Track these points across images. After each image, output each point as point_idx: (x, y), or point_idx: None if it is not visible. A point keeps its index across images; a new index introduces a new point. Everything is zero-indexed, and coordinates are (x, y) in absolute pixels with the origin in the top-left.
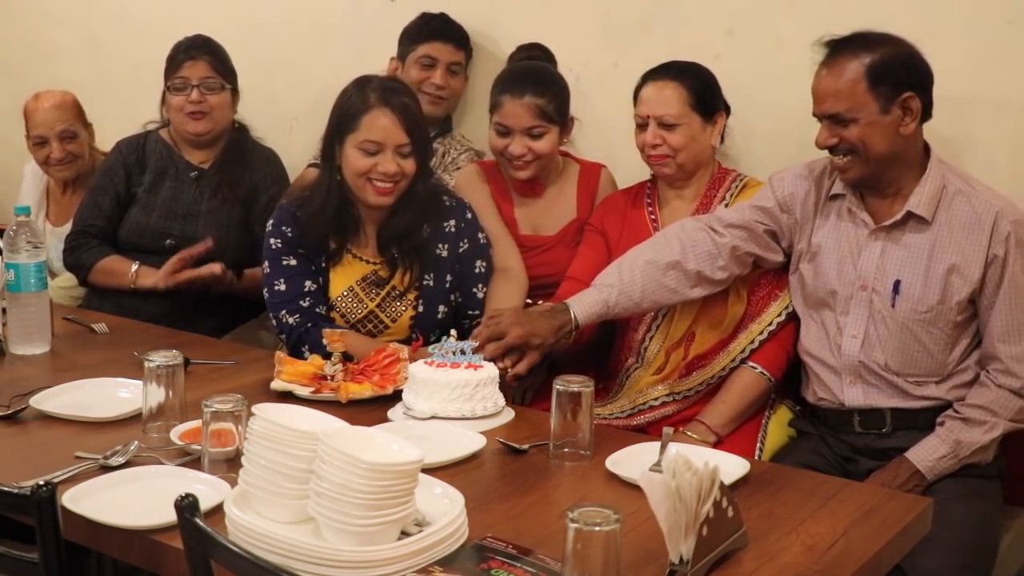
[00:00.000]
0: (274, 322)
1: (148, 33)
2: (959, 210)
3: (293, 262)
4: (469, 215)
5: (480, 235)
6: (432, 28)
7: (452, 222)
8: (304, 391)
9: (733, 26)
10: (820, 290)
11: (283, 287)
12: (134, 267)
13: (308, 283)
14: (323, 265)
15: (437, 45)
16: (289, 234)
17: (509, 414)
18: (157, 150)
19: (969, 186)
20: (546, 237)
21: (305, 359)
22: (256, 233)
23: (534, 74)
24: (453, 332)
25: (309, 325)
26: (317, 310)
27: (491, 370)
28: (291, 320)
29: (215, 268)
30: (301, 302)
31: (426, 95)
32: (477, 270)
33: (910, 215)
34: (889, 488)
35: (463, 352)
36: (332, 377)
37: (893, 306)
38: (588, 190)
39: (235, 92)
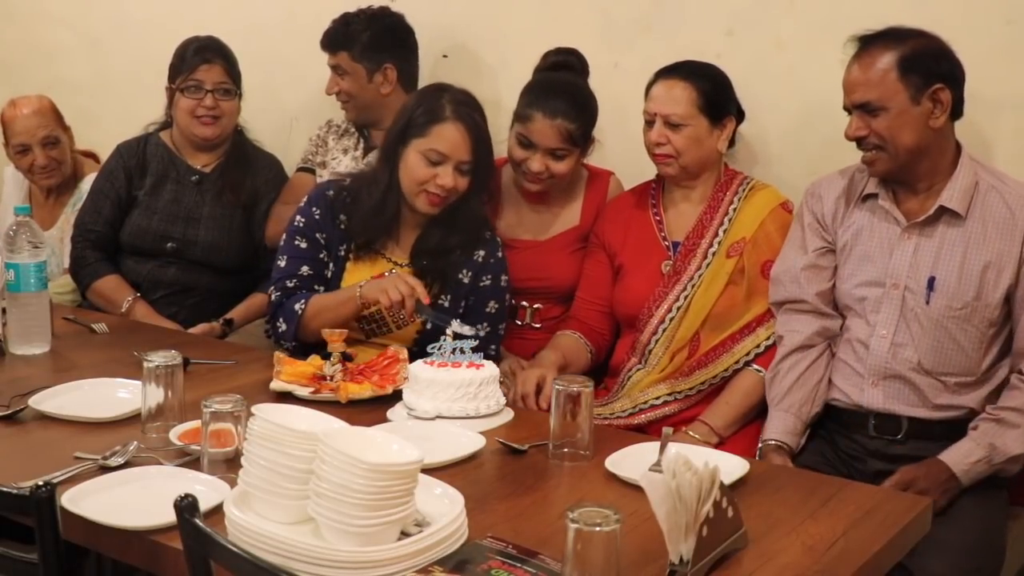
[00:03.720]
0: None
1: (148, 33)
2: (993, 205)
3: (303, 245)
4: (500, 254)
5: (503, 277)
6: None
7: (482, 253)
8: (304, 391)
9: (733, 26)
10: (850, 291)
11: (283, 264)
12: (129, 299)
13: (305, 268)
14: (341, 254)
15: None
16: (316, 216)
17: (509, 413)
18: (158, 153)
19: (1002, 182)
20: (538, 241)
21: (282, 346)
22: (258, 237)
23: (571, 95)
24: (449, 332)
25: (284, 301)
26: (297, 292)
27: (492, 369)
28: (273, 297)
29: (214, 326)
30: (287, 282)
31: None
32: (488, 309)
33: (943, 210)
34: (917, 487)
35: (463, 351)
36: (331, 377)
37: (928, 303)
38: (595, 198)
39: (241, 96)
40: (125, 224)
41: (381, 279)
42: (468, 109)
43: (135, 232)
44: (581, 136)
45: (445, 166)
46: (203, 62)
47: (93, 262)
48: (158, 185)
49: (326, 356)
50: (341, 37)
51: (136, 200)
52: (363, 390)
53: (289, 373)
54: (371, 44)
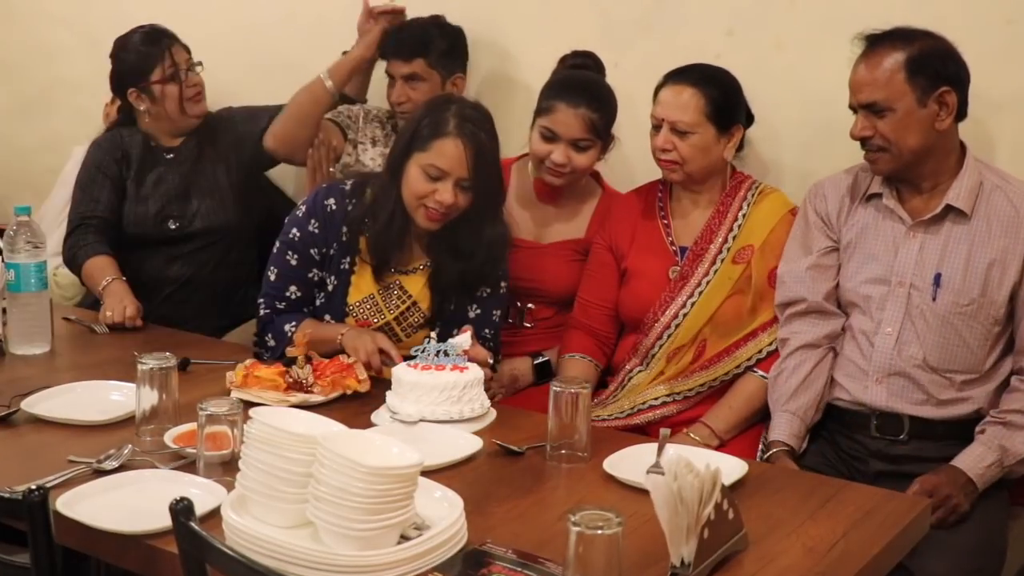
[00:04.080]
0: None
1: None
2: (998, 204)
3: (294, 261)
4: (504, 266)
5: (503, 284)
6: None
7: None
8: (293, 399)
9: (733, 26)
10: (855, 288)
11: (272, 278)
12: (107, 279)
13: (293, 288)
14: (343, 267)
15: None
16: (314, 230)
17: (493, 415)
18: (135, 142)
19: (1007, 182)
20: (539, 244)
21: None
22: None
23: (593, 87)
24: (432, 334)
25: (273, 318)
26: (285, 313)
27: (476, 371)
28: (262, 312)
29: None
30: (276, 303)
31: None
32: (493, 317)
33: (949, 208)
34: (942, 493)
35: (446, 354)
36: (305, 380)
37: (934, 300)
38: (604, 216)
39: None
40: (123, 217)
41: (362, 331)
42: (472, 126)
43: (136, 220)
44: (604, 127)
45: (445, 182)
46: (168, 47)
47: (88, 243)
48: (141, 172)
49: (288, 363)
50: (419, 43)
51: (126, 189)
52: (360, 385)
53: (261, 386)
54: (448, 51)
